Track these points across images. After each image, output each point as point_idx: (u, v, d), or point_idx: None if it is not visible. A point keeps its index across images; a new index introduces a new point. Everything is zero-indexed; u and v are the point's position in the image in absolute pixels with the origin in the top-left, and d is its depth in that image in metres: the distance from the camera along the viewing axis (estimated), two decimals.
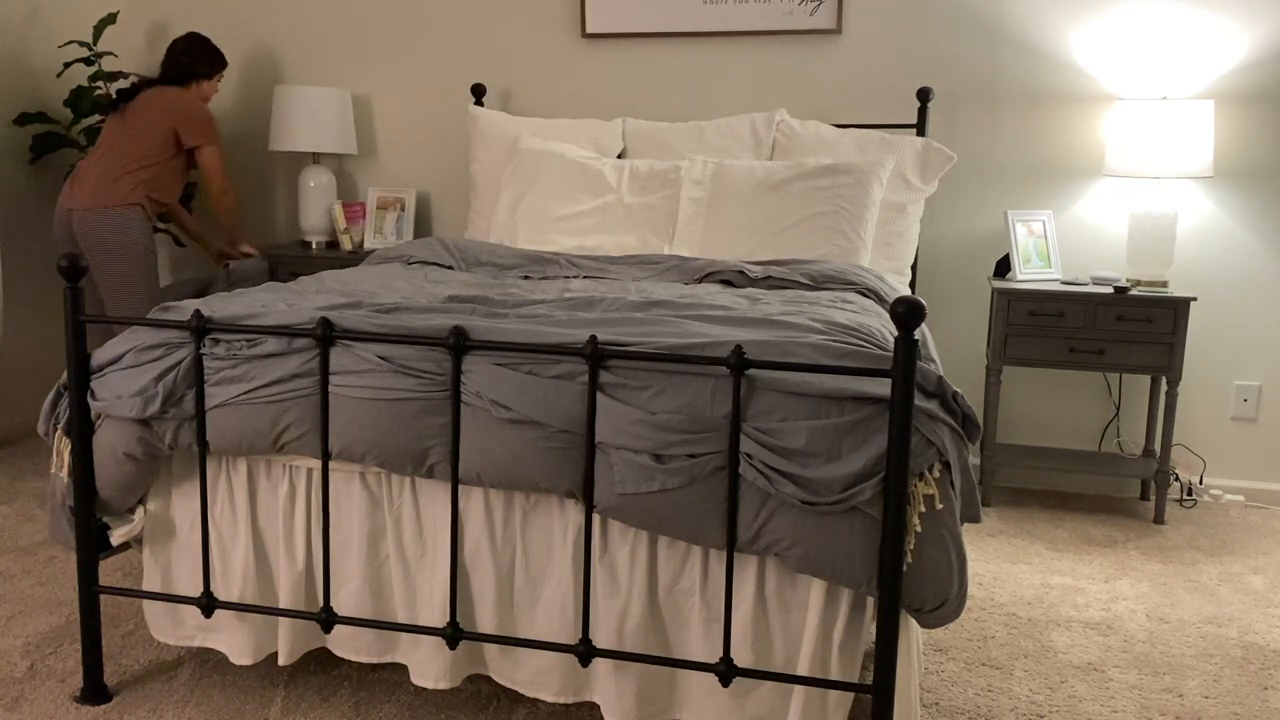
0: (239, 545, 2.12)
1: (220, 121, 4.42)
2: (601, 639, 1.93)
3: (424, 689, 2.23)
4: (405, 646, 2.09)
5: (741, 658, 1.87)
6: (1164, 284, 3.43)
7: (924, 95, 3.61)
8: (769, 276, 2.83)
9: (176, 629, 2.23)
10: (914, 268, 3.54)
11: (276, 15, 4.30)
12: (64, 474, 2.11)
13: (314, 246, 4.15)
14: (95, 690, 2.19)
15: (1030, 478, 3.81)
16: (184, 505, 2.16)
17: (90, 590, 2.15)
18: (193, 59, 3.70)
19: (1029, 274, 3.55)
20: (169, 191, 3.66)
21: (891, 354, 1.75)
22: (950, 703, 2.24)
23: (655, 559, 1.91)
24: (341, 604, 2.08)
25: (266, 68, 4.35)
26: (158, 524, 2.19)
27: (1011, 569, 3.00)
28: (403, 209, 4.13)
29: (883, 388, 1.73)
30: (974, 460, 3.57)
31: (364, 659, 2.11)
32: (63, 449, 2.10)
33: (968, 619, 2.66)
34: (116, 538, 2.17)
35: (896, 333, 1.66)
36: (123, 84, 4.07)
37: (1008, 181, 3.73)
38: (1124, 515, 3.51)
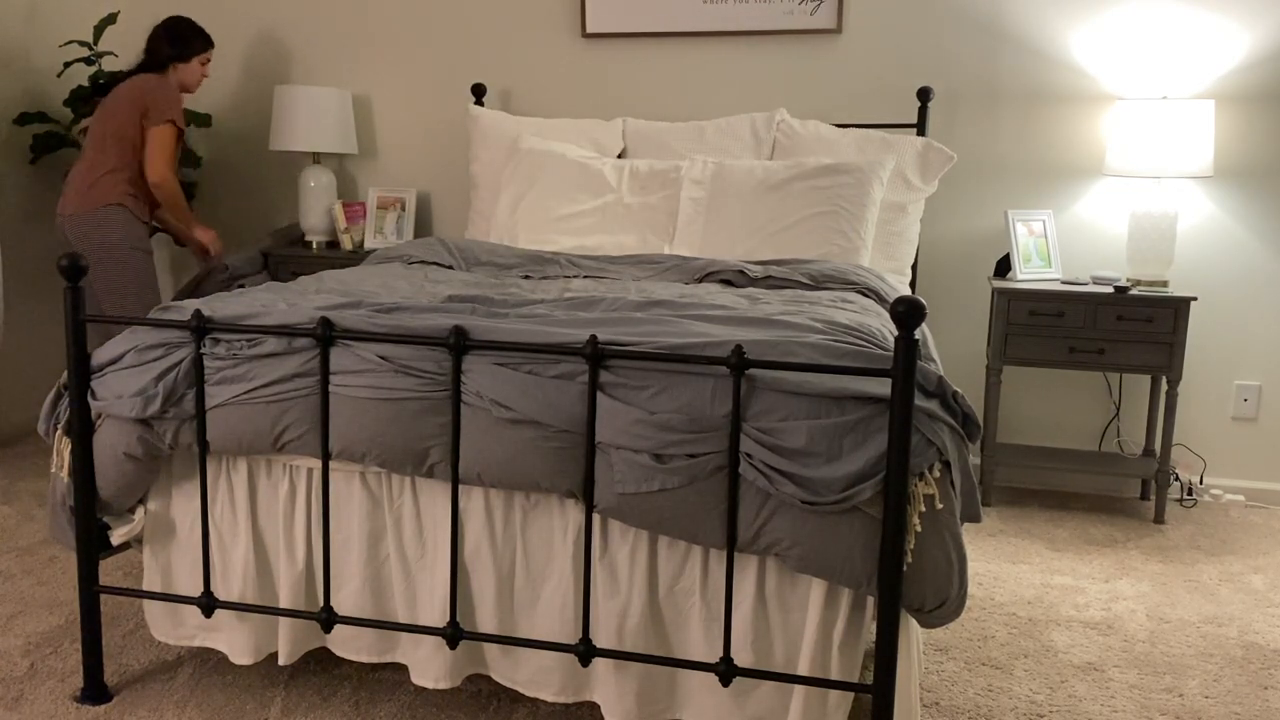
0: (239, 545, 2.12)
1: (220, 121, 4.42)
2: (601, 639, 1.93)
3: (424, 689, 2.23)
4: (405, 646, 2.09)
5: (741, 657, 1.87)
6: (1164, 284, 3.43)
7: (924, 95, 3.61)
8: (769, 276, 2.83)
9: (176, 629, 2.23)
10: (914, 268, 3.54)
11: (277, 15, 4.30)
12: (64, 474, 2.11)
13: (314, 246, 4.15)
14: (95, 690, 2.19)
15: (1030, 478, 3.81)
16: (184, 505, 2.16)
17: (90, 590, 2.15)
18: (166, 42, 3.56)
19: (1029, 274, 3.55)
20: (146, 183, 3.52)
21: (892, 354, 1.75)
22: (950, 702, 2.24)
23: (655, 559, 1.91)
24: (342, 604, 2.08)
25: (267, 67, 4.35)
26: (158, 524, 2.19)
27: (1011, 569, 3.00)
28: (403, 209, 4.13)
29: (883, 387, 1.73)
30: (974, 460, 3.57)
31: (364, 659, 2.11)
32: (63, 449, 2.10)
33: (968, 619, 2.66)
34: (116, 537, 2.18)
35: (896, 332, 1.66)
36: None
37: (1008, 181, 3.73)
38: (1124, 515, 3.51)
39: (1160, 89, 3.55)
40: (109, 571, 2.81)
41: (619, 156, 3.69)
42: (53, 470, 2.13)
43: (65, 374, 2.09)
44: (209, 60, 3.69)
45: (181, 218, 3.64)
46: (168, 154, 3.49)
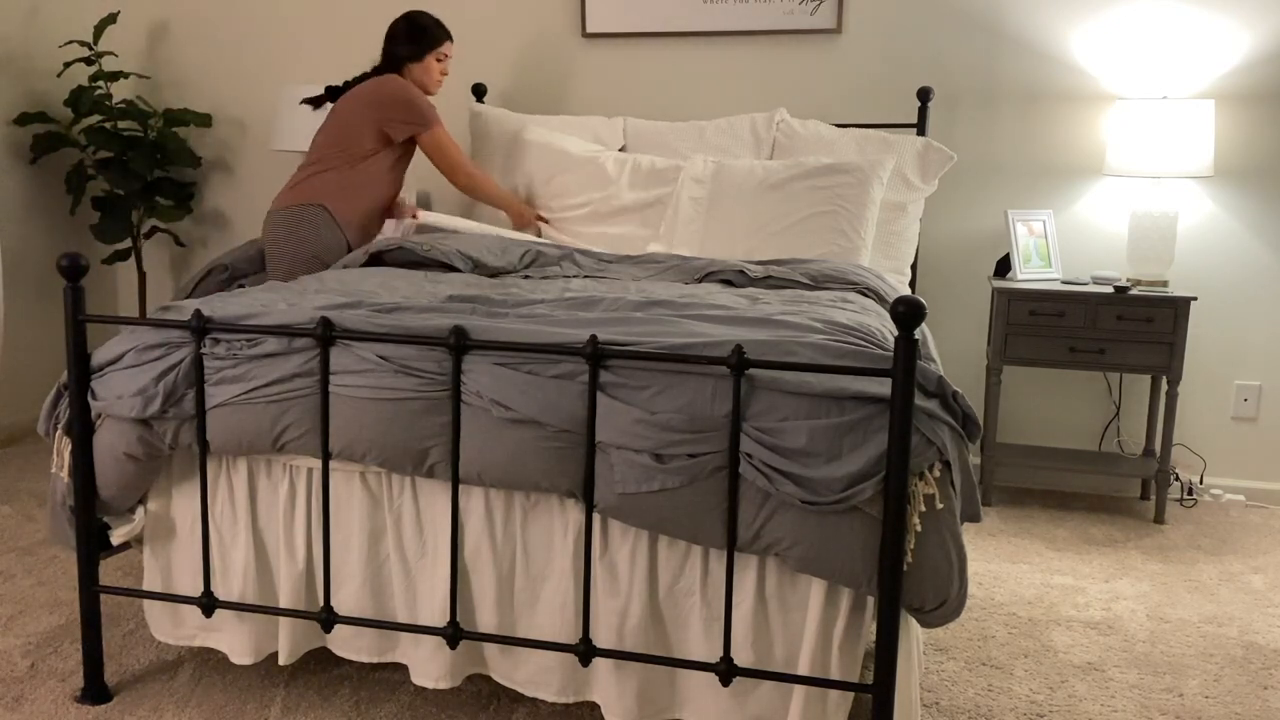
0: (239, 545, 2.12)
1: (220, 121, 4.41)
2: (602, 638, 1.93)
3: (424, 688, 2.23)
4: (405, 646, 2.09)
5: (742, 657, 1.87)
6: (1164, 283, 3.43)
7: (924, 95, 3.60)
8: (769, 276, 2.83)
9: (177, 629, 2.23)
10: (914, 267, 3.53)
11: (277, 15, 4.30)
12: (64, 474, 2.11)
13: None
14: (95, 690, 2.19)
15: (1030, 477, 3.81)
16: (184, 505, 2.16)
17: (91, 590, 2.15)
18: (404, 40, 3.33)
19: (1029, 273, 3.55)
20: (366, 193, 3.31)
21: (892, 354, 1.75)
22: (950, 702, 2.24)
23: (655, 559, 1.91)
24: (342, 604, 2.08)
25: (268, 67, 4.35)
26: (158, 524, 2.19)
27: (1012, 568, 3.00)
28: None
29: (883, 387, 1.73)
30: (974, 460, 3.57)
31: (364, 659, 2.11)
32: (63, 449, 2.10)
33: (968, 618, 2.66)
34: (117, 537, 2.18)
35: (897, 332, 1.66)
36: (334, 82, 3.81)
37: (1008, 181, 3.73)
38: (1124, 515, 3.51)
39: (1160, 89, 3.55)
40: (109, 571, 2.81)
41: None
42: (53, 470, 2.13)
43: (65, 374, 2.09)
44: (447, 56, 3.41)
45: (504, 205, 3.42)
46: (459, 153, 3.34)
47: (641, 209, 3.41)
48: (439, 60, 3.36)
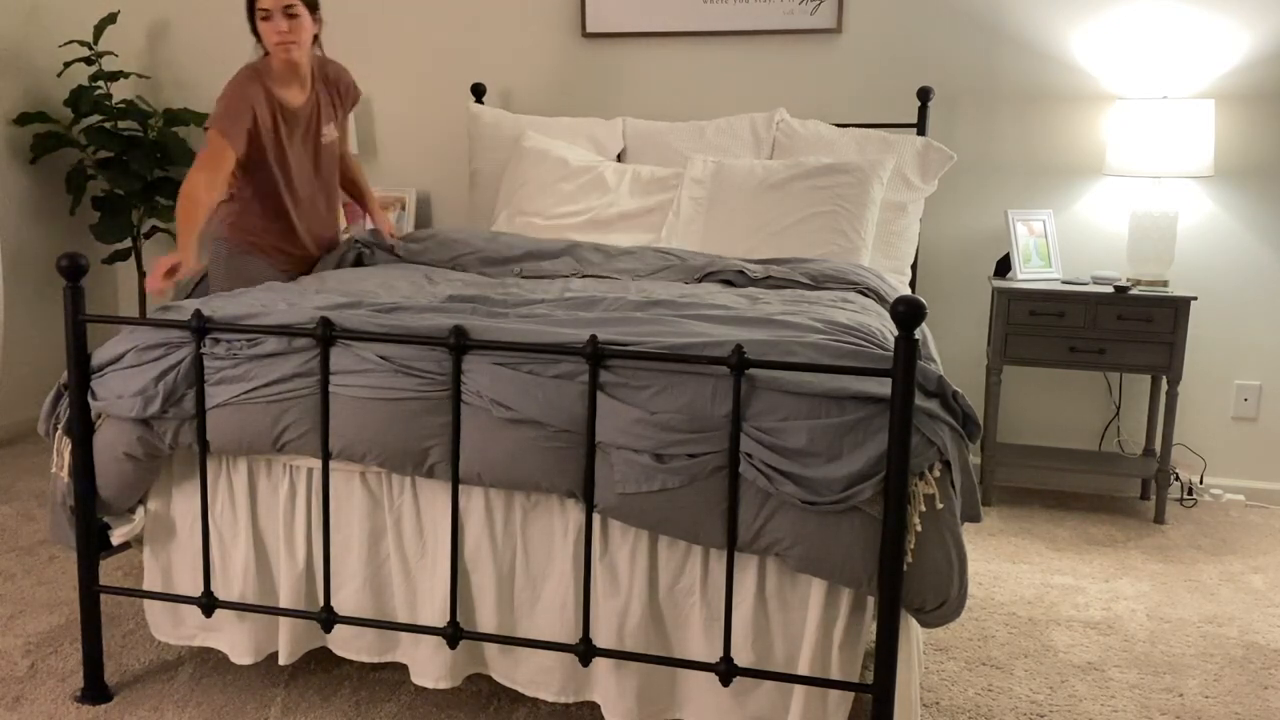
0: (239, 545, 2.12)
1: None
2: (602, 638, 1.93)
3: (424, 688, 2.23)
4: (406, 646, 2.09)
5: (742, 657, 1.87)
6: (1164, 283, 3.43)
7: (924, 95, 3.60)
8: (769, 276, 2.83)
9: (177, 628, 2.23)
10: (914, 267, 3.53)
11: None
12: (64, 474, 2.11)
13: None
14: (95, 690, 2.19)
15: (1030, 477, 3.81)
16: (184, 505, 2.17)
17: (91, 590, 2.15)
18: None
19: (1029, 273, 3.55)
20: (254, 206, 2.88)
21: (892, 354, 1.75)
22: (950, 702, 2.24)
23: (655, 559, 1.91)
24: (342, 604, 2.08)
25: None
26: (158, 524, 2.19)
27: (1012, 568, 3.00)
28: (403, 208, 4.13)
29: (883, 387, 1.73)
30: (974, 460, 3.57)
31: (364, 658, 2.11)
32: (63, 449, 2.10)
33: (968, 618, 2.66)
34: (117, 537, 2.18)
35: (897, 332, 1.66)
36: None
37: (1008, 181, 3.73)
38: (1124, 515, 3.51)
39: (1160, 89, 3.55)
40: (109, 571, 2.81)
41: (619, 156, 3.69)
42: (53, 470, 2.13)
43: (65, 374, 2.09)
44: (269, 12, 2.71)
45: (179, 238, 2.56)
46: (199, 162, 2.66)
47: (642, 215, 3.41)
48: (264, 20, 2.73)
